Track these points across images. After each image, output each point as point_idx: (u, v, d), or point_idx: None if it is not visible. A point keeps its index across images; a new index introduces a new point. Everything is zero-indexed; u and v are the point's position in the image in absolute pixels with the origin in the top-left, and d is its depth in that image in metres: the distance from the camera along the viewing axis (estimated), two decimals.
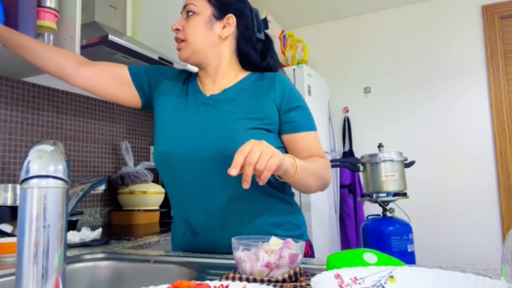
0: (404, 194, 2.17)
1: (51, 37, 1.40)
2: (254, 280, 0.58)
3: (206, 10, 0.98)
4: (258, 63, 1.03)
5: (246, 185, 0.72)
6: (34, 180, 0.43)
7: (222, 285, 0.48)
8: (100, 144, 1.99)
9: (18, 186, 1.31)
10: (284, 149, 0.97)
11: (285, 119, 0.95)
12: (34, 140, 1.66)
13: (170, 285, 0.46)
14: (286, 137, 0.96)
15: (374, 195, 2.17)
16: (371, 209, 2.81)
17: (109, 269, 0.88)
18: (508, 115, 2.83)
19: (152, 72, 1.08)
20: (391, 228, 2.04)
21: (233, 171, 0.70)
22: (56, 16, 1.39)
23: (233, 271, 0.64)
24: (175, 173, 0.94)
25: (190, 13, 0.98)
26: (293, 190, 1.01)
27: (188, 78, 1.08)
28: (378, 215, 2.18)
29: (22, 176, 0.44)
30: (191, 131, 0.94)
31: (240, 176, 0.75)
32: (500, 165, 2.81)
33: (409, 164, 2.22)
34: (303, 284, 0.57)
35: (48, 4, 1.36)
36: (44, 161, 0.44)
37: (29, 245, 0.42)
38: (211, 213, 0.91)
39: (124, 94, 1.05)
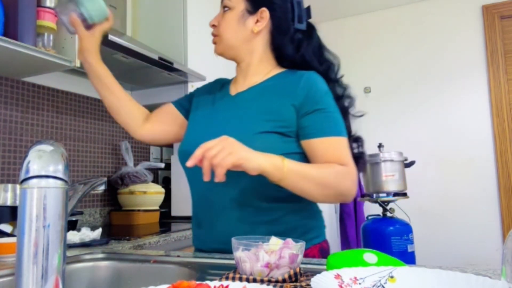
0: (404, 194, 2.17)
1: (51, 37, 1.40)
2: (254, 280, 0.58)
3: (240, 5, 0.97)
4: (294, 55, 0.98)
5: (205, 177, 0.74)
6: (34, 180, 0.43)
7: (222, 285, 0.48)
8: (100, 144, 1.99)
9: (18, 186, 1.31)
10: (303, 155, 0.91)
11: (301, 124, 0.89)
12: (34, 140, 1.66)
13: (170, 285, 0.46)
14: (303, 143, 0.90)
15: (374, 195, 2.17)
16: (371, 209, 2.81)
17: (109, 269, 0.88)
18: (508, 115, 2.83)
19: (193, 94, 1.12)
20: (391, 228, 2.04)
21: (189, 162, 0.74)
22: (56, 16, 1.39)
23: (233, 271, 0.64)
24: (190, 170, 0.93)
25: (225, 9, 0.98)
26: None
27: (224, 84, 1.08)
28: (378, 215, 2.18)
29: (22, 176, 0.44)
30: (210, 130, 0.94)
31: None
32: (500, 165, 2.80)
33: (409, 164, 2.22)
34: (303, 284, 0.57)
35: (48, 4, 1.36)
36: (44, 161, 0.44)
37: (29, 245, 0.42)
38: (214, 208, 0.92)
39: (180, 130, 1.09)
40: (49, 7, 1.36)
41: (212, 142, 0.74)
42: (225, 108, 0.98)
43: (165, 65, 1.80)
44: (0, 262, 0.87)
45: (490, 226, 2.80)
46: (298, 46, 0.98)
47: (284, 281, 0.58)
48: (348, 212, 3.07)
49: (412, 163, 2.23)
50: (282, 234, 0.87)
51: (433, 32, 3.10)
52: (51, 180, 0.44)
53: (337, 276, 0.51)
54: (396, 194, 2.14)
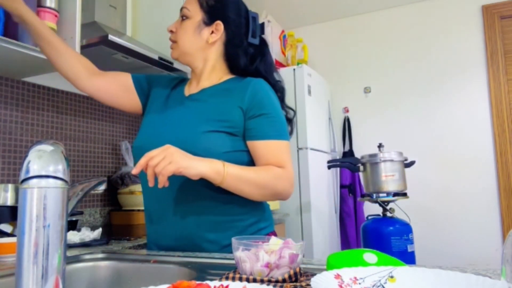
0: (404, 194, 2.17)
1: None
2: (254, 280, 0.58)
3: (197, 16, 1.03)
4: (246, 67, 1.05)
5: (149, 184, 0.81)
6: (34, 180, 0.43)
7: (222, 285, 0.48)
8: (100, 144, 1.99)
9: (18, 186, 1.31)
10: (249, 152, 0.98)
11: (247, 126, 0.96)
12: (34, 140, 1.66)
13: (170, 285, 0.46)
14: (248, 143, 0.97)
15: (374, 195, 2.17)
16: (371, 209, 2.81)
17: (109, 269, 0.88)
18: (508, 115, 2.83)
19: (152, 79, 1.14)
20: (391, 228, 2.04)
21: (134, 170, 0.81)
22: (56, 16, 1.39)
23: (233, 271, 0.64)
24: None
25: (184, 17, 1.04)
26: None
27: (181, 82, 1.14)
28: (378, 215, 2.18)
29: (22, 176, 0.43)
30: (162, 128, 1.00)
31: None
32: (500, 165, 2.81)
33: (409, 164, 2.22)
34: (303, 284, 0.57)
35: (48, 4, 1.36)
36: (44, 161, 0.44)
37: (29, 245, 0.42)
38: (162, 203, 0.96)
39: (127, 101, 1.12)
40: (49, 7, 1.36)
41: (155, 152, 0.81)
42: (177, 107, 1.03)
43: (165, 65, 1.80)
44: (0, 262, 0.87)
45: (490, 226, 2.80)
46: (252, 60, 1.05)
47: (284, 281, 0.58)
48: (348, 212, 3.07)
49: (412, 163, 2.23)
50: (230, 225, 0.94)
51: (433, 32, 3.10)
52: (51, 180, 0.44)
53: (337, 276, 0.51)
54: (396, 194, 2.14)
